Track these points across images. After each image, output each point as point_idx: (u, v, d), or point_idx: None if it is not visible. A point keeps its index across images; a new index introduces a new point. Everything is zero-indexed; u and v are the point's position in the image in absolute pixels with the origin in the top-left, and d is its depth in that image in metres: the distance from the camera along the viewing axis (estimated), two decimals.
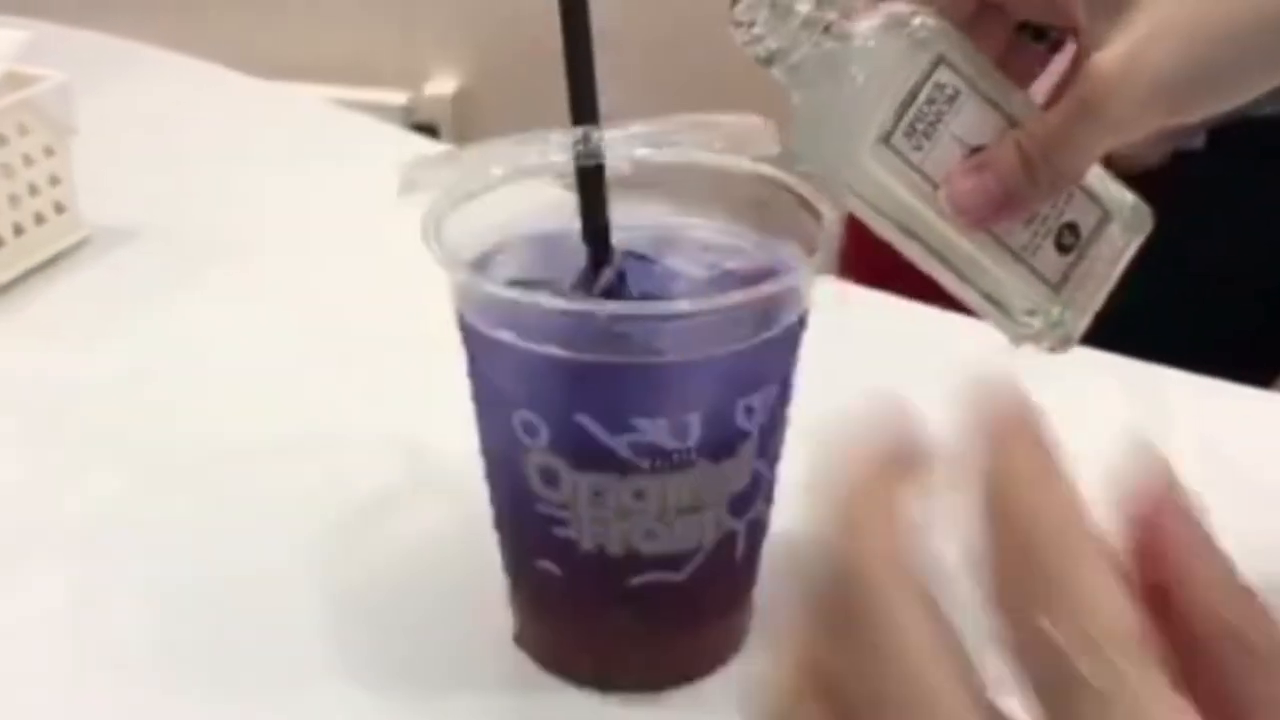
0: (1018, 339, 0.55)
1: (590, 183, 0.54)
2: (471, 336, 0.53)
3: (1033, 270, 0.54)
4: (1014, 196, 0.51)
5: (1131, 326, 0.82)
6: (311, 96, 1.22)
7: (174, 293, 0.87)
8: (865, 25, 0.51)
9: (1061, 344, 0.55)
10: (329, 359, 0.79)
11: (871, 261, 1.58)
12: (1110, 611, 0.27)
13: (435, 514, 0.66)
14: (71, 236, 0.89)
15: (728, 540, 0.55)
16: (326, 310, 0.84)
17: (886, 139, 0.51)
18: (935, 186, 0.52)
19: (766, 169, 0.57)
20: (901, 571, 0.28)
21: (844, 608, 0.28)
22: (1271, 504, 0.67)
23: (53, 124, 0.86)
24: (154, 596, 0.62)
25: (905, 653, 0.27)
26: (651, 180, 0.57)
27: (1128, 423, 0.70)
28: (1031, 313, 0.54)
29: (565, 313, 0.51)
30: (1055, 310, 0.54)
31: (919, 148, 0.51)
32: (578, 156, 0.53)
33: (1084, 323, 0.55)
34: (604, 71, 0.53)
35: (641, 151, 0.53)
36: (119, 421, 0.74)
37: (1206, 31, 0.50)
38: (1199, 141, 1.48)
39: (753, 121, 0.54)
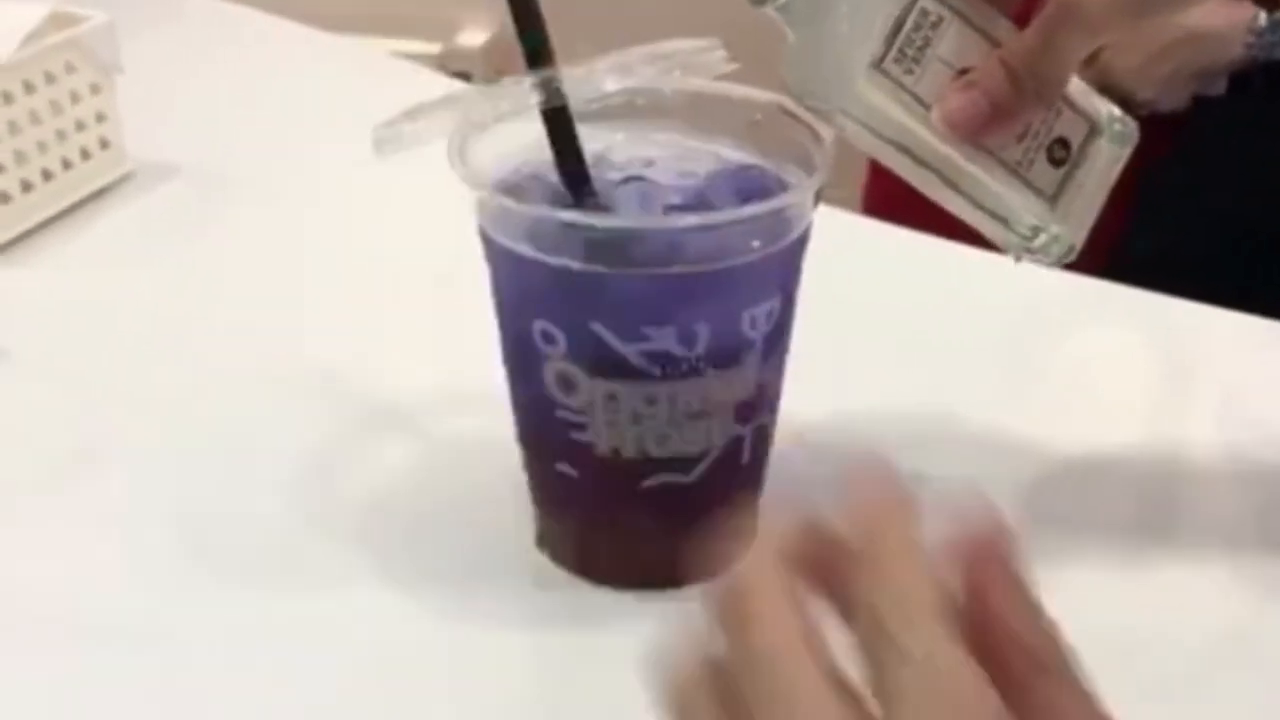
0: (1019, 253, 0.58)
1: (557, 125, 0.57)
2: (494, 250, 0.57)
3: (1029, 184, 0.57)
4: (1002, 109, 0.54)
5: (1157, 268, 0.85)
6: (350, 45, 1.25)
7: (208, 227, 0.91)
8: None
9: (1061, 256, 0.58)
10: (359, 289, 0.83)
11: (892, 197, 1.60)
12: (922, 597, 0.35)
13: (461, 426, 0.70)
14: (116, 171, 0.93)
15: (734, 445, 0.58)
16: (355, 243, 0.88)
17: (878, 64, 0.54)
18: (928, 108, 0.55)
19: (763, 94, 0.60)
20: (781, 582, 0.36)
21: (734, 609, 0.37)
22: None
23: (98, 62, 0.90)
24: (188, 499, 0.66)
25: (773, 647, 0.35)
26: (659, 108, 0.60)
27: (1161, 361, 0.77)
28: (1033, 227, 0.57)
29: (576, 225, 0.54)
30: (1053, 224, 0.57)
31: (910, 72, 0.55)
32: (541, 100, 0.56)
33: (1081, 235, 0.58)
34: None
35: (615, 85, 0.57)
36: (150, 343, 0.78)
37: None
38: (1220, 87, 1.49)
39: (702, 45, 0.58)
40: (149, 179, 0.94)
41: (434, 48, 2.08)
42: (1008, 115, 0.55)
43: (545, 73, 0.56)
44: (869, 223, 0.93)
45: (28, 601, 0.61)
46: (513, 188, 0.58)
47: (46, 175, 0.88)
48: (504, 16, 0.56)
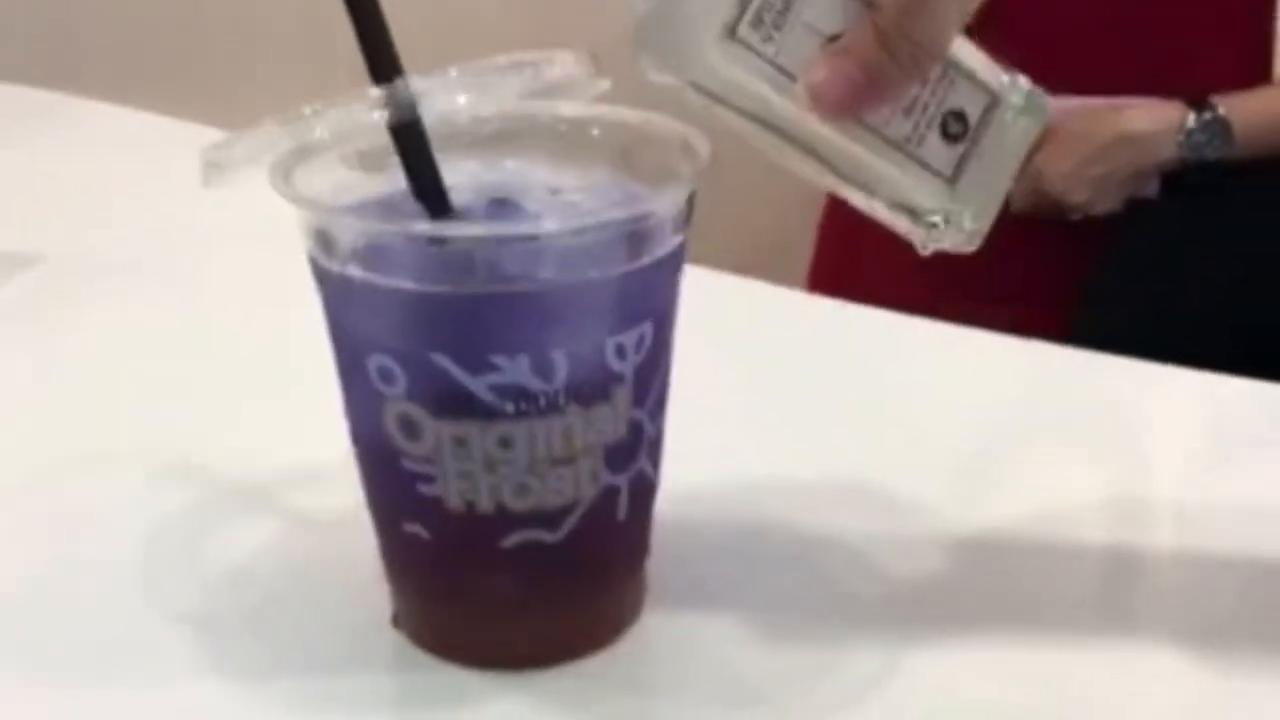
0: (925, 242, 0.52)
1: (409, 138, 0.51)
2: (323, 279, 0.50)
3: (921, 163, 0.51)
4: (876, 79, 0.48)
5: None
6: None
7: (59, 314, 0.85)
8: None
9: (967, 240, 0.52)
10: (199, 371, 0.78)
11: (837, 271, 1.56)
12: None
13: (318, 503, 0.63)
14: None
15: (607, 497, 0.52)
16: (199, 325, 0.83)
17: (732, 32, 0.48)
18: (795, 80, 0.49)
19: (631, 115, 0.54)
20: None
21: None
22: None
23: None
24: (14, 580, 0.60)
25: None
26: (506, 134, 0.55)
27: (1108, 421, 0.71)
28: (933, 212, 0.51)
29: (414, 238, 0.48)
30: (953, 206, 0.51)
31: (769, 39, 0.48)
32: (392, 114, 0.50)
33: (988, 217, 0.52)
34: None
35: (470, 101, 0.51)
36: None
37: None
38: (1153, 189, 1.47)
39: (569, 59, 0.52)
40: (7, 268, 0.88)
41: None
42: (882, 85, 0.48)
43: (393, 85, 0.50)
44: (809, 298, 0.92)
45: None
46: (355, 211, 0.52)
47: None
48: None
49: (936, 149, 0.51)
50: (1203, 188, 1.44)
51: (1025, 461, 0.70)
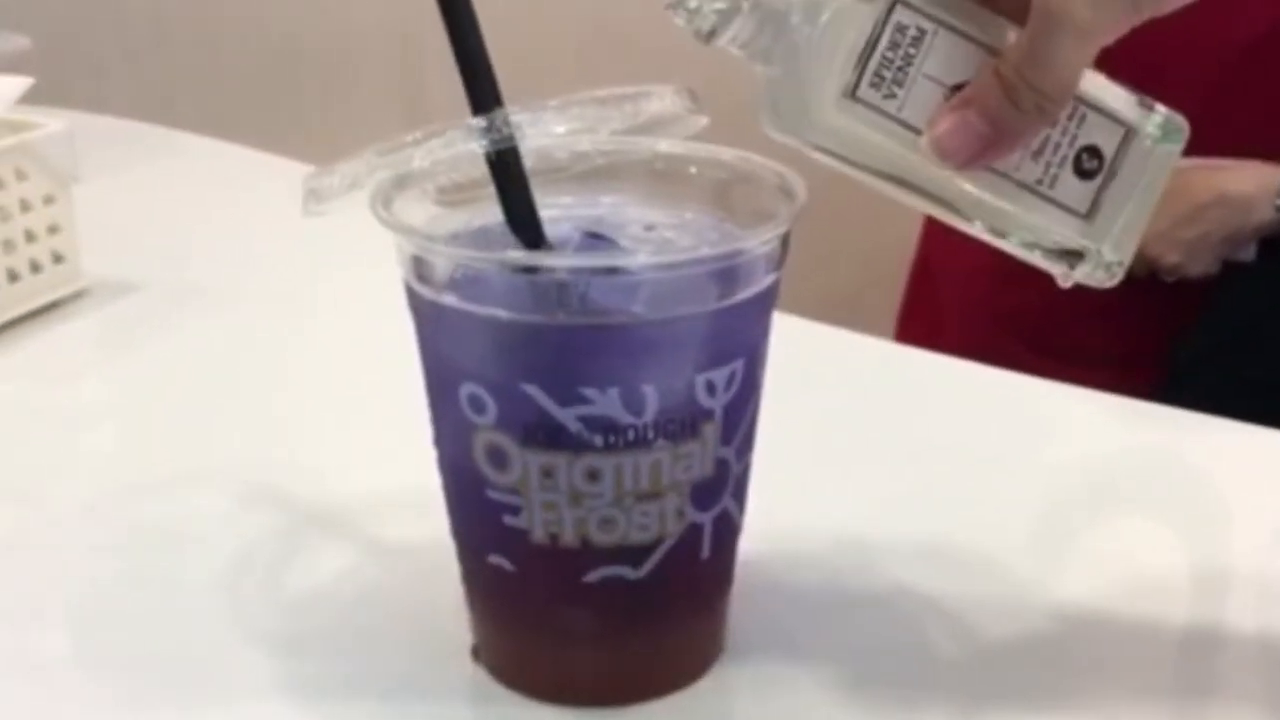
0: (1066, 277, 0.51)
1: (507, 169, 0.51)
2: (418, 307, 0.51)
3: (1055, 203, 0.50)
4: (1001, 128, 0.47)
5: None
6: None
7: (157, 341, 0.86)
8: None
9: (1107, 272, 0.51)
10: (290, 397, 0.79)
11: (929, 325, 1.54)
12: None
13: (403, 532, 0.63)
14: (69, 287, 0.88)
15: (691, 535, 0.51)
16: (292, 352, 0.85)
17: (852, 93, 0.48)
18: (919, 133, 0.48)
19: (728, 154, 0.54)
20: None
21: None
22: None
23: (53, 172, 0.85)
24: (93, 607, 0.60)
25: None
26: (603, 169, 0.55)
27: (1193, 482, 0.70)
28: (1070, 249, 0.50)
29: (512, 267, 0.48)
30: (1092, 243, 0.50)
31: (892, 95, 0.48)
32: (490, 144, 0.50)
33: (1130, 249, 0.51)
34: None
35: (568, 134, 0.51)
36: (84, 447, 0.74)
37: None
38: (1250, 252, 1.45)
39: (667, 94, 0.52)
40: (103, 295, 0.89)
41: None
42: (1007, 134, 0.48)
43: (492, 115, 0.51)
44: (900, 348, 0.91)
45: None
46: (450, 241, 0.52)
47: None
48: None
49: (1071, 187, 0.50)
50: None
51: (1109, 524, 0.68)
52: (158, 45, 1.79)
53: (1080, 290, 0.52)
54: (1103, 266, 0.51)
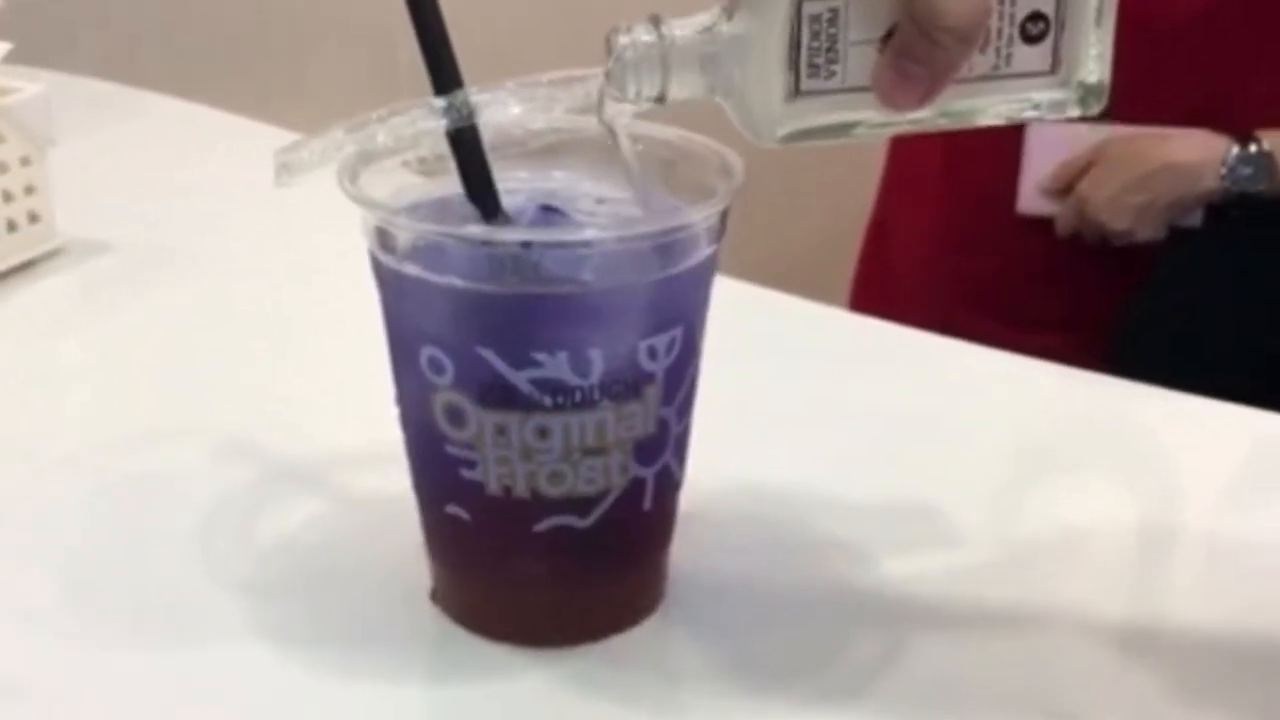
0: (1054, 115, 0.53)
1: (466, 145, 0.54)
2: (381, 275, 0.54)
3: (1018, 75, 0.52)
4: (937, 66, 0.50)
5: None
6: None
7: (132, 300, 0.89)
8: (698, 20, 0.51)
9: (1099, 100, 0.53)
10: (259, 356, 0.82)
11: (879, 291, 1.57)
12: None
13: (367, 482, 0.67)
14: (44, 245, 0.91)
15: (635, 488, 0.55)
16: (261, 313, 0.87)
17: (795, 92, 0.51)
18: (869, 89, 0.51)
19: (672, 133, 0.58)
20: None
21: None
22: None
23: (29, 134, 0.88)
24: (75, 555, 0.64)
25: None
26: (556, 145, 0.58)
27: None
28: (1045, 102, 0.53)
29: (467, 241, 0.52)
30: (1064, 89, 0.53)
31: (832, 74, 0.51)
32: (450, 122, 0.54)
33: (1105, 67, 0.53)
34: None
35: (524, 113, 0.54)
36: (61, 403, 0.78)
37: None
38: (1196, 218, 1.48)
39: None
40: (78, 254, 0.92)
41: None
42: (947, 69, 0.50)
43: (453, 95, 0.54)
44: (848, 315, 0.94)
45: None
46: (410, 213, 0.55)
47: None
48: None
49: (1027, 55, 0.52)
50: (1246, 220, 1.45)
51: (1054, 487, 0.72)
52: (129, 5, 1.80)
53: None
54: (1092, 93, 0.53)
